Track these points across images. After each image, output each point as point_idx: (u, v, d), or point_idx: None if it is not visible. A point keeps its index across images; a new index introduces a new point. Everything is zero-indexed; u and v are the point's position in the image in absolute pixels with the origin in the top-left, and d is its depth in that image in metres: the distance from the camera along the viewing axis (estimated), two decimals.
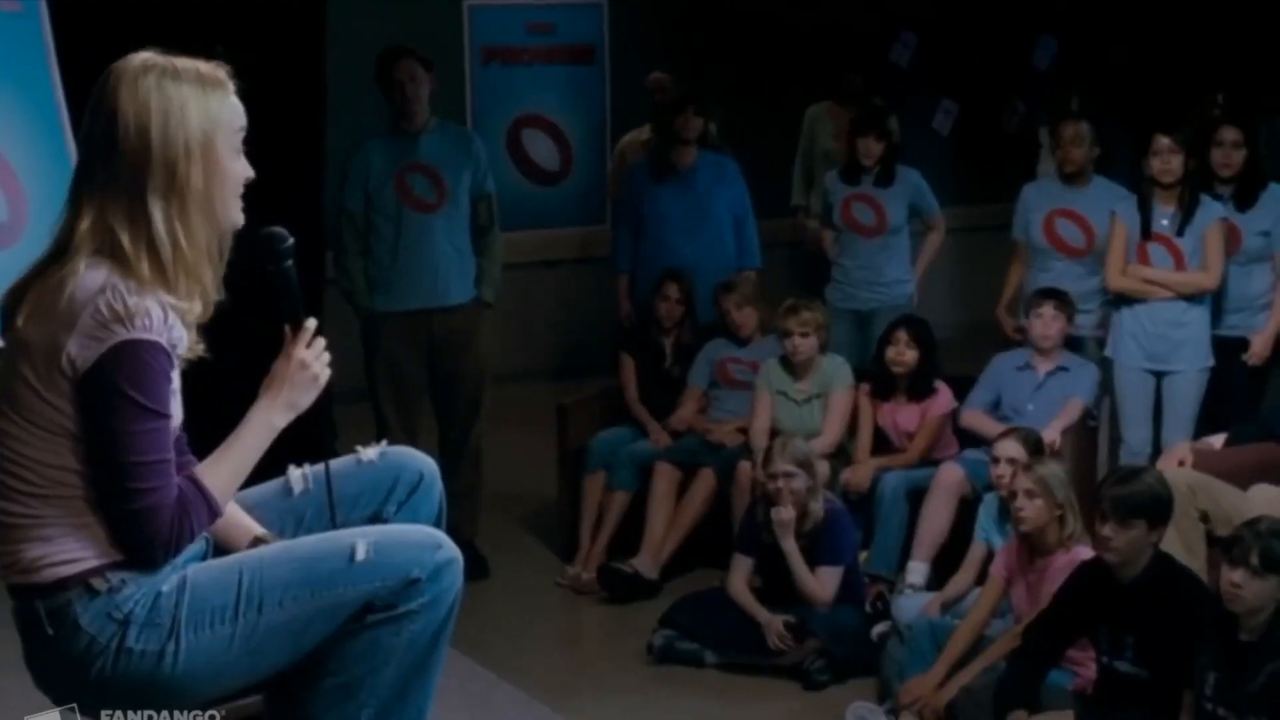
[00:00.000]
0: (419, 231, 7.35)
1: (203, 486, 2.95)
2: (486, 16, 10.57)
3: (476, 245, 7.53)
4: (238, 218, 3.01)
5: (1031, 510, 5.86)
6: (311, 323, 3.13)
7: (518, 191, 10.61)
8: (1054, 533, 5.88)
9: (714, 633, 6.58)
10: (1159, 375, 7.42)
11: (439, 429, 7.64)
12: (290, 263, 3.12)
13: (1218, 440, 6.93)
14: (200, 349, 2.98)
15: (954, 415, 7.40)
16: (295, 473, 3.33)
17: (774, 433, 7.37)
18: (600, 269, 10.80)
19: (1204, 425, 7.48)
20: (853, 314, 8.07)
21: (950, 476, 7.11)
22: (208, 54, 3.05)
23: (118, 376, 2.80)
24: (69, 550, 2.91)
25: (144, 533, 2.88)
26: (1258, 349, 7.43)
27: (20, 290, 2.95)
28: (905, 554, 7.09)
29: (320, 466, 3.29)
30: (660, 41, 10.78)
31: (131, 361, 2.81)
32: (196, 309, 2.93)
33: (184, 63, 2.97)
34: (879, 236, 8.20)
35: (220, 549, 3.21)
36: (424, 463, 3.40)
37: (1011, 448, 6.39)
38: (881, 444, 7.43)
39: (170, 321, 2.86)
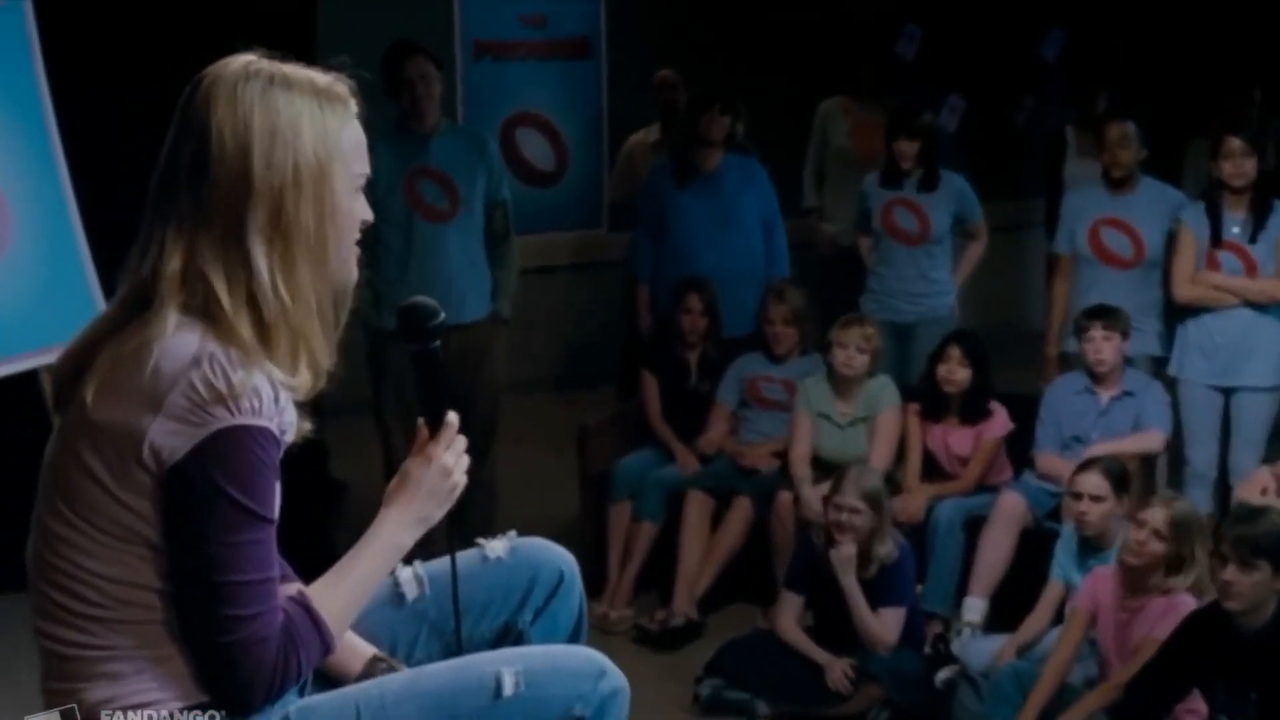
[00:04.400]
0: (430, 242, 6.82)
1: (315, 614, 2.38)
2: (478, 9, 10.01)
3: (491, 255, 7.01)
4: (352, 271, 2.45)
5: (1152, 550, 5.36)
6: (454, 419, 2.56)
7: (511, 193, 10.02)
8: (1160, 575, 5.39)
9: (766, 680, 6.06)
10: (1227, 392, 6.93)
11: None
12: (439, 343, 2.55)
13: None
14: (308, 429, 2.40)
15: (1009, 438, 6.90)
16: (405, 573, 2.74)
17: (815, 459, 6.87)
18: (599, 275, 10.34)
19: (1274, 445, 7.04)
20: (890, 326, 7.52)
21: (1011, 505, 6.61)
22: (321, 62, 2.48)
23: (217, 472, 2.23)
24: (144, 691, 2.32)
25: (242, 670, 2.29)
26: None
27: (85, 354, 2.35)
28: (961, 589, 6.60)
29: (435, 565, 2.71)
30: (659, 35, 10.27)
31: (236, 454, 2.23)
32: (306, 382, 2.36)
33: (297, 71, 2.40)
34: (922, 245, 7.68)
35: (323, 675, 2.60)
36: (562, 557, 2.82)
37: (1094, 482, 5.89)
38: (930, 469, 6.92)
39: (282, 403, 2.30)
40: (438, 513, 2.54)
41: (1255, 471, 6.48)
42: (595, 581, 7.11)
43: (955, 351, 6.83)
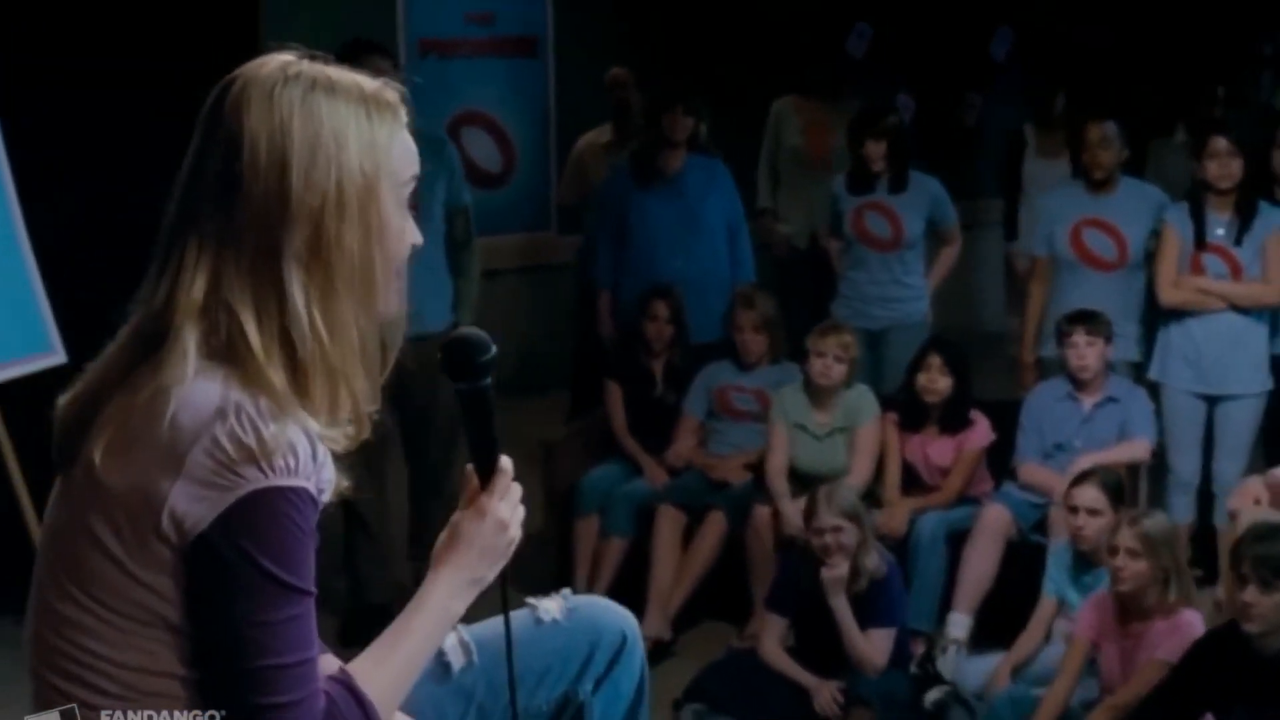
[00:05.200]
0: None
1: (361, 697, 2.10)
2: (423, 5, 9.70)
3: (452, 264, 6.72)
4: (397, 303, 2.14)
5: (1133, 570, 5.18)
6: (508, 464, 2.28)
7: None
8: (1155, 594, 5.21)
9: (750, 705, 5.82)
10: (1211, 400, 6.75)
11: (409, 472, 6.84)
12: (490, 380, 2.25)
13: None
14: (345, 486, 2.10)
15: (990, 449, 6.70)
16: (450, 639, 2.46)
17: (792, 471, 6.64)
18: (548, 278, 10.07)
19: (1258, 452, 6.87)
20: (863, 332, 7.29)
21: (995, 518, 6.40)
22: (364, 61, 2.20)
23: (248, 542, 1.93)
24: None
25: None
26: None
27: (90, 402, 2.04)
28: (945, 605, 6.39)
29: (483, 628, 2.43)
30: (608, 32, 10.01)
31: (269, 520, 1.93)
32: (346, 433, 2.07)
33: (342, 74, 2.10)
34: (895, 250, 7.45)
35: None
36: (624, 618, 2.57)
37: (1091, 495, 5.69)
38: (909, 481, 6.71)
39: (320, 458, 2.00)
40: (491, 573, 2.26)
41: (1245, 481, 6.29)
42: None
43: (935, 360, 6.62)
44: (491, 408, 2.23)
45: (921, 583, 6.37)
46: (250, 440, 1.92)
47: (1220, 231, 6.65)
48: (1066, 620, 5.85)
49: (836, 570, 5.77)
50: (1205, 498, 6.87)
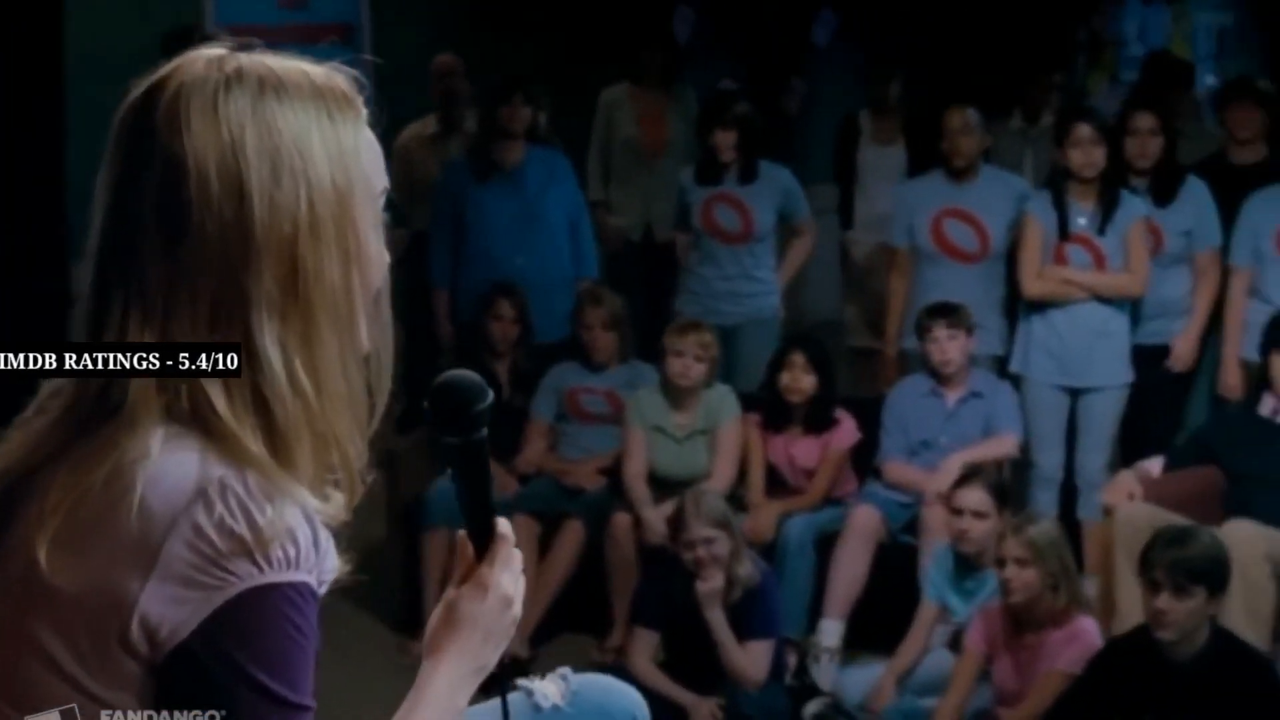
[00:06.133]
0: None
1: None
2: None
3: None
4: (366, 338, 1.74)
5: (1023, 580, 5.00)
6: (508, 529, 1.93)
7: None
8: (1046, 602, 5.03)
9: None
10: (1074, 393, 6.61)
11: None
12: (486, 432, 1.87)
13: (1155, 465, 6.20)
14: (346, 568, 1.71)
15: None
16: None
17: (651, 476, 6.36)
18: None
19: (1120, 443, 6.76)
20: (713, 329, 7.01)
21: (865, 519, 6.21)
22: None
23: (240, 653, 1.55)
24: None
25: None
26: (1181, 353, 6.68)
27: (20, 483, 1.64)
28: (815, 611, 6.16)
29: (474, 714, 2.07)
30: (427, 17, 9.60)
31: (265, 625, 1.56)
32: (338, 504, 1.68)
33: (286, 66, 1.69)
34: (745, 243, 7.19)
35: None
36: (633, 700, 2.22)
37: (977, 497, 5.50)
38: (772, 483, 6.48)
39: (323, 544, 1.62)
40: (495, 658, 1.92)
41: (1118, 476, 6.21)
42: (409, 618, 6.49)
43: (799, 358, 6.38)
44: (487, 464, 1.89)
45: (791, 589, 6.14)
46: (240, 527, 1.54)
47: (1082, 221, 6.50)
48: (949, 625, 5.68)
49: (712, 583, 5.51)
50: (1067, 492, 6.73)
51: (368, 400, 1.73)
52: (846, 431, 6.43)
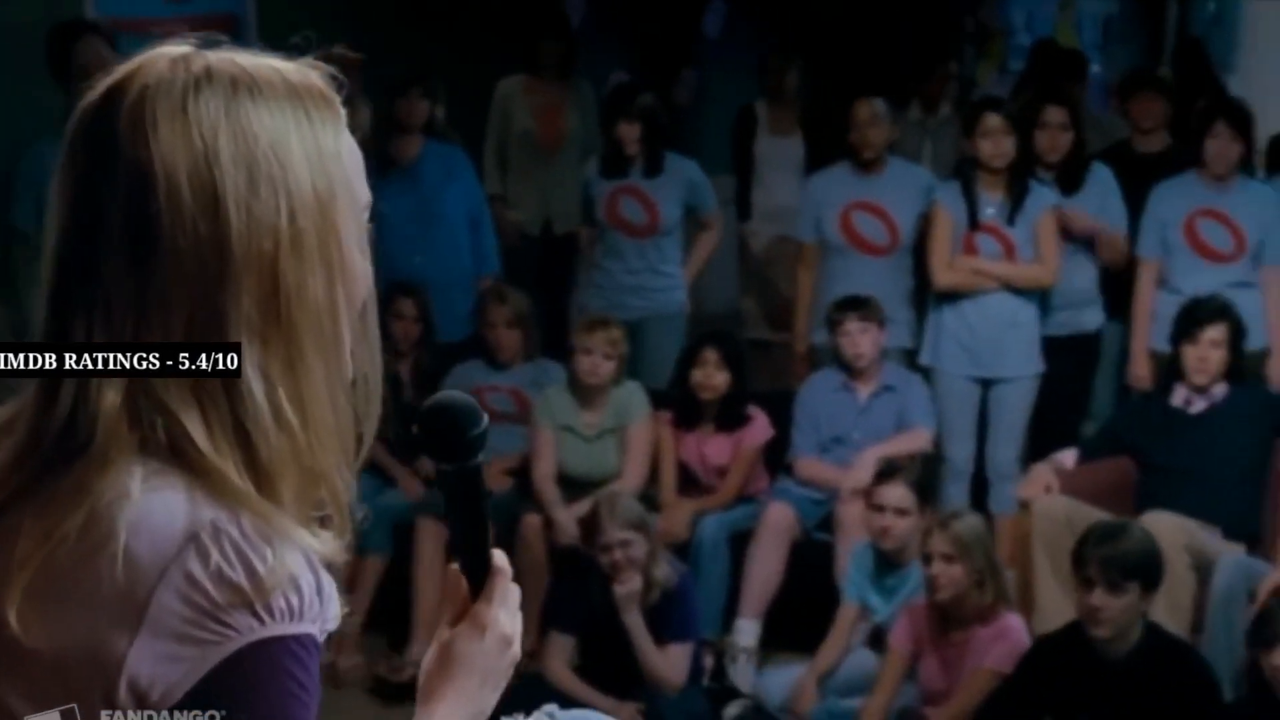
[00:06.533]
0: None
1: None
2: None
3: None
4: (367, 362, 1.64)
5: (949, 577, 4.92)
6: (505, 562, 1.78)
7: None
8: (973, 599, 4.96)
9: None
10: (985, 383, 6.56)
11: None
12: (481, 459, 1.73)
13: (1068, 458, 6.18)
14: (344, 611, 1.55)
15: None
16: None
17: (560, 476, 6.23)
18: None
19: (1027, 436, 6.73)
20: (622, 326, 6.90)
21: (779, 517, 6.12)
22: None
23: (241, 714, 1.40)
24: None
25: None
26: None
27: None
28: (730, 611, 6.08)
29: None
30: (316, 9, 9.37)
31: (267, 682, 1.41)
32: (335, 544, 1.51)
33: (257, 64, 1.53)
34: (650, 237, 7.07)
35: None
36: None
37: (899, 494, 5.42)
38: (684, 482, 6.37)
39: (326, 590, 1.47)
40: (495, 699, 1.77)
41: (1033, 469, 6.18)
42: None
43: (712, 354, 6.28)
44: (483, 493, 1.75)
45: (705, 588, 6.04)
46: (238, 576, 1.39)
47: (991, 211, 6.46)
48: (867, 623, 5.61)
49: (629, 586, 5.38)
50: (979, 485, 6.69)
51: (355, 429, 1.59)
52: (759, 428, 6.33)
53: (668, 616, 5.45)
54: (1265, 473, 6.02)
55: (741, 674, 5.89)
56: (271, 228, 1.47)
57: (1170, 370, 6.18)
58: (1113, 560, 4.40)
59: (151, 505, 1.41)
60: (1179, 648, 4.58)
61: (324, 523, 1.55)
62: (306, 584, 1.43)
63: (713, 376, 6.27)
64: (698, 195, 7.18)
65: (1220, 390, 6.01)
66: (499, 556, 1.75)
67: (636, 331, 7.05)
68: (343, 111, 1.59)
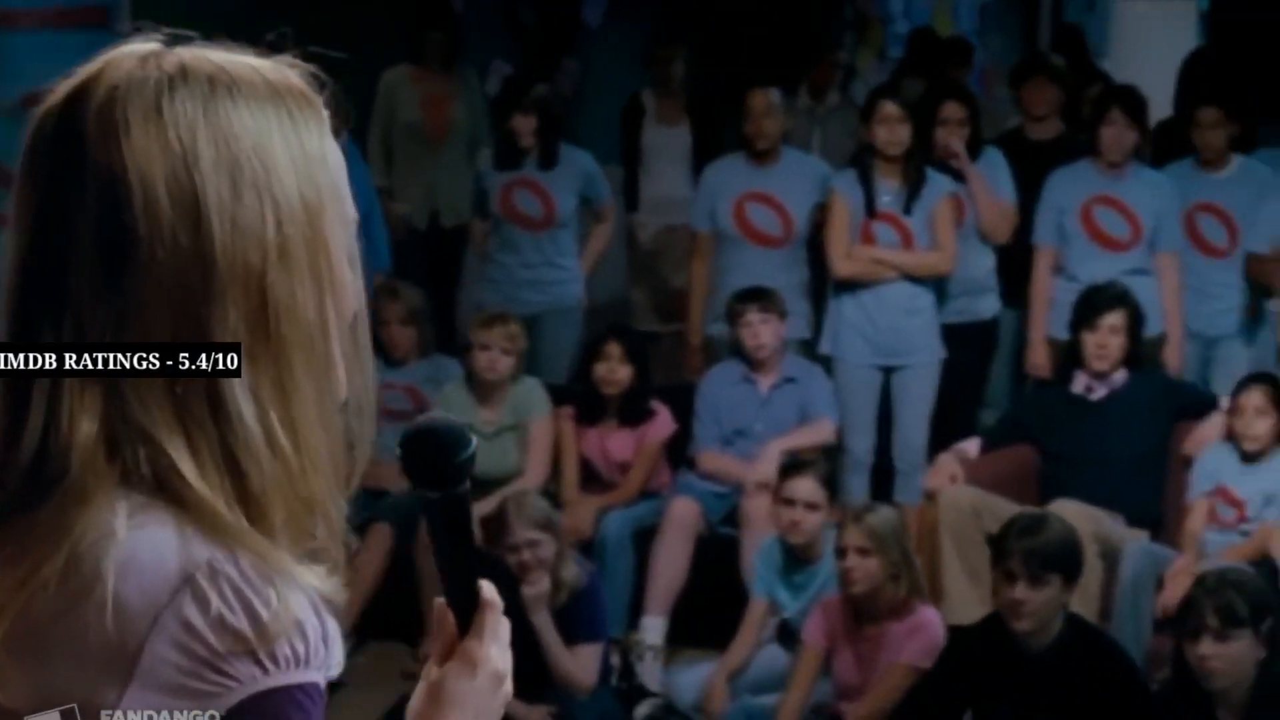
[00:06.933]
0: None
1: None
2: None
3: None
4: (358, 385, 1.52)
5: (864, 571, 4.88)
6: (494, 595, 1.68)
7: None
8: (889, 593, 4.92)
9: None
10: (887, 372, 6.54)
11: None
12: (469, 485, 1.62)
13: (971, 447, 6.18)
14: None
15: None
16: None
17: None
18: None
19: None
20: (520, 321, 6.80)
21: (684, 512, 6.07)
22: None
23: None
24: None
25: None
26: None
27: None
28: (636, 608, 6.01)
29: None
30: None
31: None
32: (332, 582, 1.40)
33: (234, 61, 1.41)
34: (546, 230, 6.97)
35: None
36: None
37: (808, 488, 5.36)
38: (587, 478, 6.29)
39: (331, 634, 1.35)
40: None
41: (938, 459, 6.18)
42: None
43: (615, 348, 6.20)
44: (470, 522, 1.64)
45: (611, 586, 5.96)
46: (240, 621, 1.27)
47: (888, 199, 6.44)
48: (775, 618, 5.57)
49: (537, 587, 5.29)
50: (881, 475, 6.66)
51: (348, 454, 1.48)
52: (662, 423, 6.27)
53: (577, 617, 5.37)
54: (1165, 458, 6.06)
55: (649, 672, 5.83)
56: (258, 237, 1.35)
57: (1070, 357, 6.20)
58: (1034, 553, 4.38)
59: (139, 544, 1.29)
60: (1100, 638, 4.57)
61: (314, 555, 1.45)
62: (312, 628, 1.32)
63: (616, 371, 6.20)
64: (593, 187, 7.11)
65: (1120, 377, 6.03)
66: (488, 589, 1.64)
67: (533, 326, 6.96)
68: (325, 113, 1.48)
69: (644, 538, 6.10)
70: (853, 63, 11.70)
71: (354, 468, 1.50)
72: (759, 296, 6.28)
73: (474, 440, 1.60)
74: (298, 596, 1.31)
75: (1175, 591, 5.37)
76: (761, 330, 6.24)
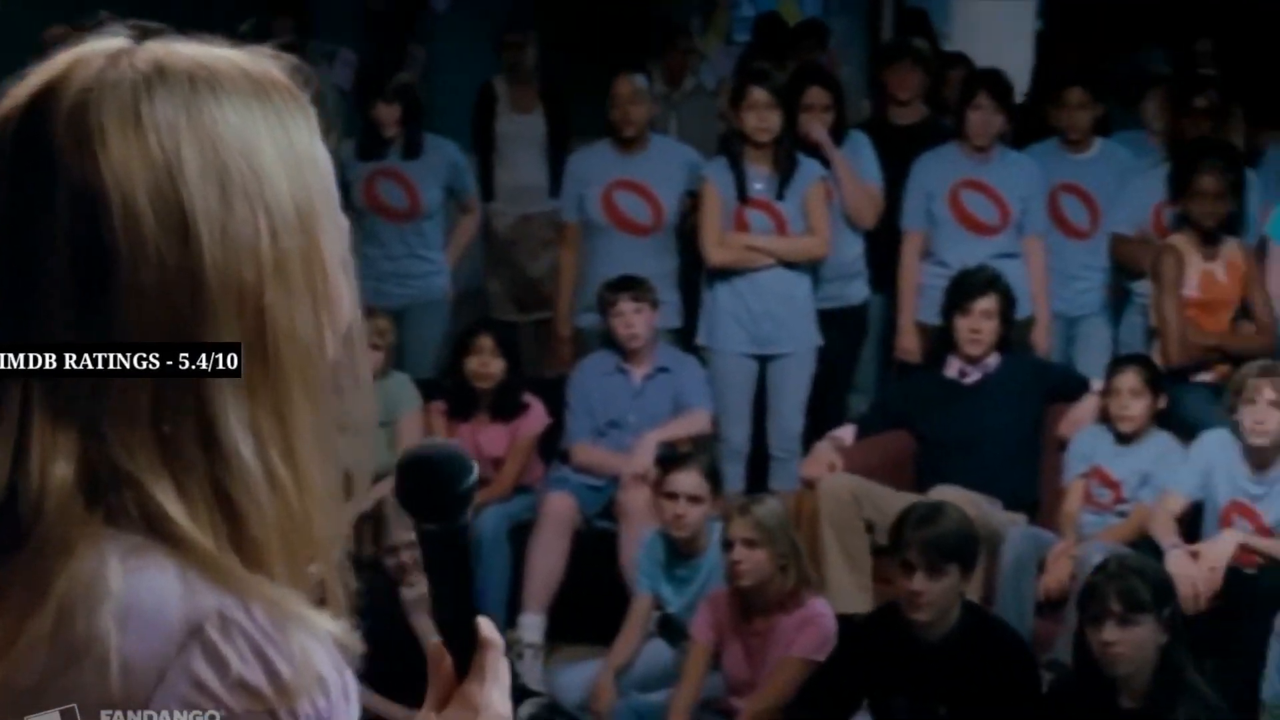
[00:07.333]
0: None
1: None
2: None
3: None
4: (361, 408, 1.39)
5: (752, 563, 4.82)
6: (494, 634, 1.56)
7: None
8: (777, 585, 4.87)
9: None
10: (763, 361, 6.49)
11: None
12: (470, 516, 1.52)
13: (846, 434, 6.16)
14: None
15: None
16: None
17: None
18: None
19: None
20: (379, 312, 6.65)
21: (560, 506, 5.98)
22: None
23: None
24: None
25: None
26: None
27: None
28: (514, 606, 5.90)
29: None
30: None
31: None
32: (347, 631, 1.31)
33: (213, 55, 1.27)
34: (411, 221, 6.82)
35: None
36: None
37: (692, 481, 5.29)
38: None
39: (351, 690, 1.24)
40: None
41: (815, 448, 6.16)
42: None
43: (486, 342, 6.09)
44: (469, 556, 1.53)
45: (488, 583, 5.86)
46: (258, 677, 1.14)
47: (760, 186, 6.37)
48: (659, 614, 5.50)
49: (417, 589, 5.17)
50: (758, 463, 6.61)
51: (346, 486, 1.36)
52: (536, 416, 6.17)
53: None
54: (1039, 441, 6.09)
55: (529, 670, 5.72)
56: (252, 251, 1.22)
57: (942, 342, 6.19)
58: (931, 543, 4.34)
59: (138, 592, 1.15)
60: (999, 628, 4.55)
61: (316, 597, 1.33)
62: (333, 682, 1.20)
63: (488, 364, 6.08)
64: (458, 177, 6.98)
65: (993, 361, 6.05)
66: (487, 627, 1.53)
67: (399, 320, 6.80)
68: (312, 110, 1.35)
69: (520, 533, 5.99)
70: (699, 47, 11.65)
71: (354, 497, 1.39)
72: (631, 285, 6.19)
73: (475, 467, 1.50)
74: (318, 649, 1.19)
75: (1057, 574, 5.41)
76: (635, 320, 6.16)
